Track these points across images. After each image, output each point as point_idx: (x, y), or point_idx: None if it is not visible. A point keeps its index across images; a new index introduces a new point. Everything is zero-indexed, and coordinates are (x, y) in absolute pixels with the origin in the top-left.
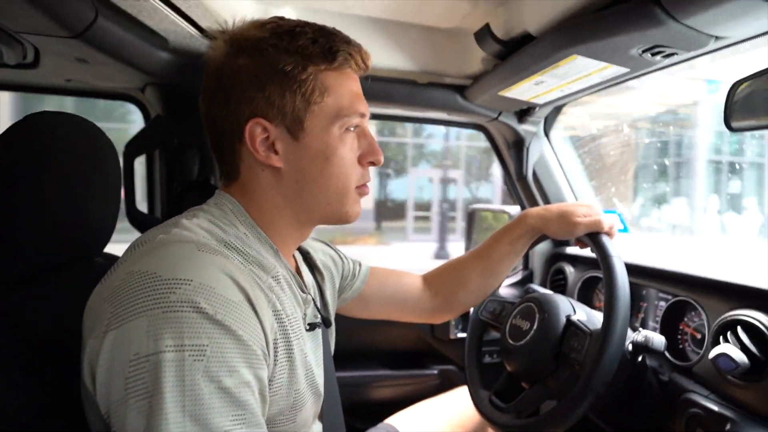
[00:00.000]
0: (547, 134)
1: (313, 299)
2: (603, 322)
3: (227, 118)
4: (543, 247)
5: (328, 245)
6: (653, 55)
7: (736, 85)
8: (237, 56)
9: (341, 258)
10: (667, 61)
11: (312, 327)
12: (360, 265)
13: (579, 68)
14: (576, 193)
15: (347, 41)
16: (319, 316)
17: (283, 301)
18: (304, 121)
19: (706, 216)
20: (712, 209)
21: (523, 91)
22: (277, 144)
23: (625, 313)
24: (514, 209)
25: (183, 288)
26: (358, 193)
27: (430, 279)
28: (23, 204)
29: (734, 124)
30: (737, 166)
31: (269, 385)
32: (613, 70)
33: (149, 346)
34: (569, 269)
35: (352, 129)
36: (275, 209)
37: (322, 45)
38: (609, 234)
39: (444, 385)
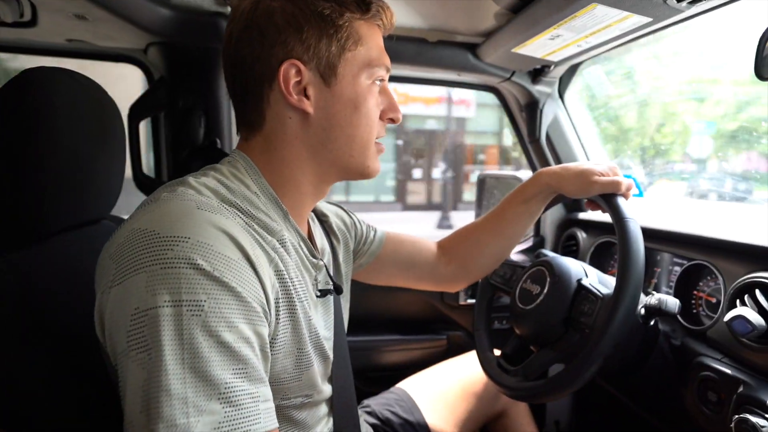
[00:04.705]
0: (561, 96)
1: (325, 265)
2: (615, 286)
3: (259, 60)
4: (555, 213)
5: (342, 209)
6: (679, 0)
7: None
8: None
9: (355, 222)
10: (693, 8)
11: (323, 293)
12: (375, 230)
13: (598, 19)
14: (590, 157)
15: None
16: (330, 282)
17: (287, 264)
18: (338, 68)
19: None
20: None
21: (538, 47)
22: (309, 89)
23: (638, 277)
24: (526, 174)
25: (180, 245)
26: (376, 150)
27: (444, 245)
28: (23, 163)
29: (766, 74)
30: None
31: (272, 343)
32: (635, 20)
33: (147, 301)
34: (581, 235)
35: (378, 82)
36: (298, 160)
37: None
38: (624, 196)
39: (452, 350)
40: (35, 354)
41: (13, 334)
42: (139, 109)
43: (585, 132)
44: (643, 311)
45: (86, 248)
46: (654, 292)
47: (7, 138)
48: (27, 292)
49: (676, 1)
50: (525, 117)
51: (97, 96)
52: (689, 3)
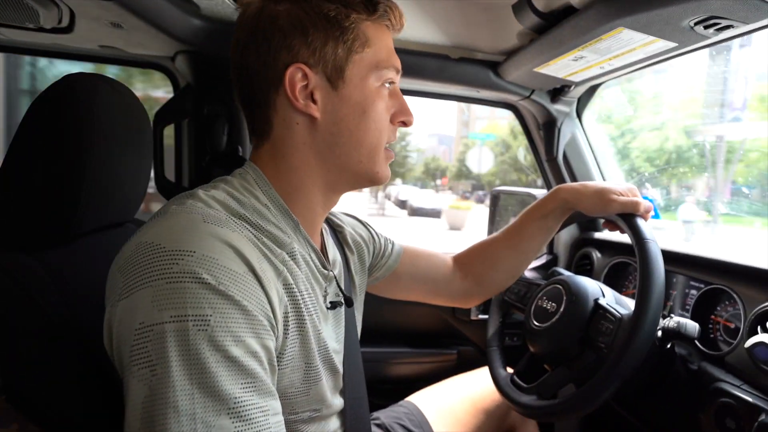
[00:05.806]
0: (579, 115)
1: (335, 277)
2: (635, 308)
3: (265, 65)
4: (568, 232)
5: (359, 221)
6: (706, 27)
7: None
8: (277, 2)
9: (373, 235)
10: (720, 35)
11: (333, 306)
12: (393, 243)
13: (623, 43)
14: (606, 177)
15: None
16: (341, 294)
17: (296, 276)
18: (345, 71)
19: None
20: None
21: (560, 67)
22: (316, 93)
23: (659, 299)
24: (540, 193)
25: (186, 259)
26: (385, 156)
27: (459, 259)
28: (61, 166)
29: None
30: None
31: (280, 357)
32: (660, 44)
33: (153, 316)
34: (596, 254)
35: (387, 85)
36: (306, 167)
37: None
38: (643, 218)
39: (462, 365)
40: (65, 353)
41: (48, 331)
42: (164, 116)
43: (601, 152)
44: (660, 334)
45: (111, 250)
46: (672, 315)
47: (47, 140)
48: (60, 292)
49: (703, 29)
50: (542, 135)
51: (130, 102)
52: (716, 30)
